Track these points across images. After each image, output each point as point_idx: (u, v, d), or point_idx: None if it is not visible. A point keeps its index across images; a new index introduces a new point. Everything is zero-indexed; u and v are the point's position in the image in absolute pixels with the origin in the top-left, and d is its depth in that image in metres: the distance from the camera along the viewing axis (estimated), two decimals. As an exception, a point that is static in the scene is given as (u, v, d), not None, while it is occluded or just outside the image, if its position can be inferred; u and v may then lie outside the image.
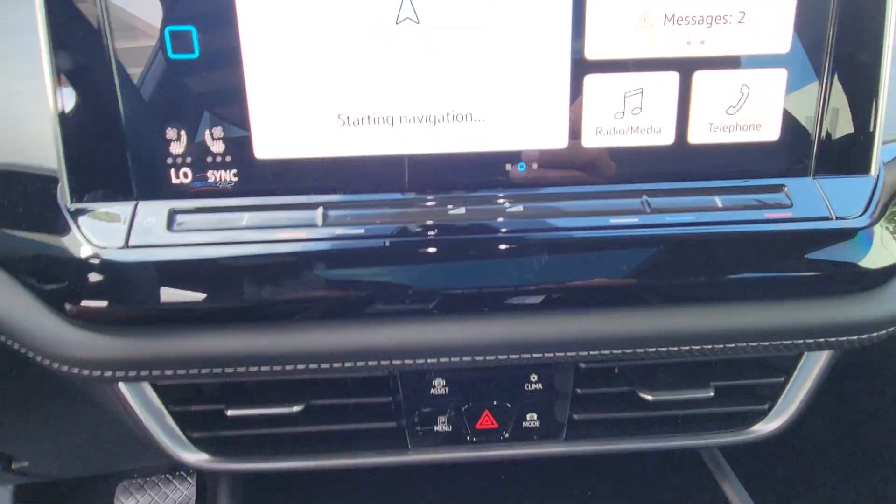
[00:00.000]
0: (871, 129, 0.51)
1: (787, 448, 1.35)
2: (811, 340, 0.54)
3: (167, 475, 1.65)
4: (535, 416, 0.61)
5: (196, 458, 0.59)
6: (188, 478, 1.62)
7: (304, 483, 0.70)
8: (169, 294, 0.47)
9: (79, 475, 1.18)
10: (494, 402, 0.60)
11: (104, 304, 0.47)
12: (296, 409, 0.56)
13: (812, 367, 0.62)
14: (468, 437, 0.61)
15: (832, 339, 0.54)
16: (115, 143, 0.47)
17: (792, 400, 0.63)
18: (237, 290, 0.48)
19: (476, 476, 0.72)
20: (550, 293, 0.50)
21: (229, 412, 0.56)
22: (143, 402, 0.57)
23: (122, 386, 0.56)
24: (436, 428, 0.60)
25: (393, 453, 0.61)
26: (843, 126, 0.52)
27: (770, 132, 0.51)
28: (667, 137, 0.51)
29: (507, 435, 0.61)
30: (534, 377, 0.59)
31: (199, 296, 0.48)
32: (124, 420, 0.73)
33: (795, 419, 0.63)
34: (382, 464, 0.61)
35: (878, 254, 0.52)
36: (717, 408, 0.63)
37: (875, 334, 0.54)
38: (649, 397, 0.59)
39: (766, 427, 0.63)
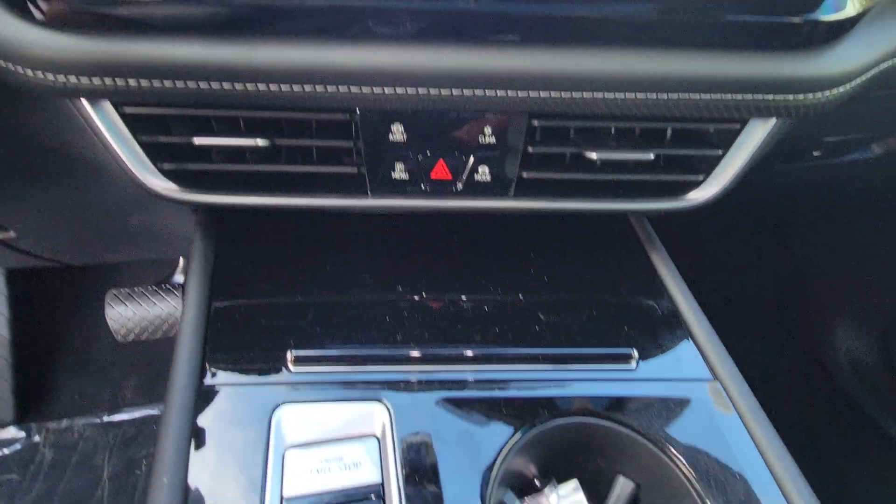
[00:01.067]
0: None
1: (708, 222, 1.47)
2: (751, 96, 0.56)
3: (154, 286, 1.76)
4: (486, 170, 0.65)
5: (165, 186, 0.62)
6: (174, 290, 1.73)
7: (276, 251, 0.75)
8: None
9: (63, 260, 1.24)
10: (450, 153, 0.63)
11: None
12: (260, 142, 0.59)
13: (750, 142, 0.66)
14: (423, 187, 0.65)
15: (773, 98, 0.57)
16: None
17: (725, 172, 0.68)
18: None
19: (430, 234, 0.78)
20: (506, 22, 0.51)
21: (196, 140, 0.59)
22: (112, 129, 0.59)
23: (89, 109, 0.57)
24: (393, 175, 0.64)
25: (354, 197, 0.66)
26: None
27: None
28: None
29: (459, 186, 0.66)
30: (488, 129, 0.62)
31: None
32: (103, 178, 0.76)
33: (726, 190, 0.68)
34: (344, 207, 0.66)
35: (830, 10, 0.53)
36: (656, 175, 0.68)
37: (815, 95, 0.57)
38: (594, 155, 0.63)
39: (699, 195, 0.69)
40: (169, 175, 0.63)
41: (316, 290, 0.69)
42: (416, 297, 0.69)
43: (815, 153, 0.99)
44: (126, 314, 1.77)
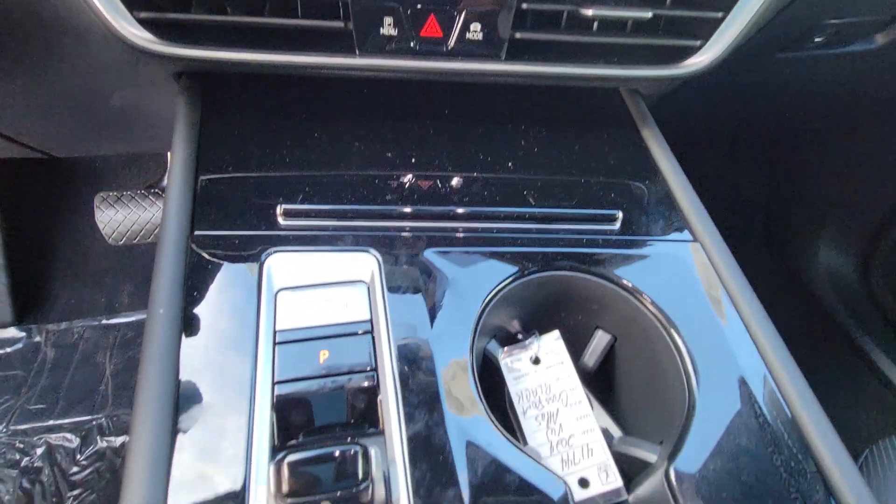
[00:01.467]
0: None
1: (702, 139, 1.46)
2: None
3: (143, 191, 1.74)
4: (478, 28, 0.62)
5: (142, 36, 0.60)
6: (164, 193, 1.71)
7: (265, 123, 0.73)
8: None
9: (47, 150, 1.22)
10: (441, 7, 0.61)
11: None
12: (240, -11, 0.57)
13: (752, 4, 0.63)
14: (413, 45, 0.63)
15: None
16: None
17: (723, 38, 0.66)
18: None
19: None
20: None
21: (172, -17, 0.56)
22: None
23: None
24: (381, 31, 0.62)
25: (341, 55, 0.63)
26: None
27: None
28: None
29: (450, 45, 0.63)
30: (480, -18, 0.59)
31: None
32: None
33: (721, 58, 0.67)
34: (331, 66, 0.64)
35: None
36: (654, 39, 0.66)
37: None
38: (590, 12, 0.61)
39: (696, 62, 0.67)
40: (146, 25, 0.60)
41: (305, 156, 0.68)
42: (406, 163, 0.68)
43: (817, 39, 0.96)
44: (116, 217, 1.76)
